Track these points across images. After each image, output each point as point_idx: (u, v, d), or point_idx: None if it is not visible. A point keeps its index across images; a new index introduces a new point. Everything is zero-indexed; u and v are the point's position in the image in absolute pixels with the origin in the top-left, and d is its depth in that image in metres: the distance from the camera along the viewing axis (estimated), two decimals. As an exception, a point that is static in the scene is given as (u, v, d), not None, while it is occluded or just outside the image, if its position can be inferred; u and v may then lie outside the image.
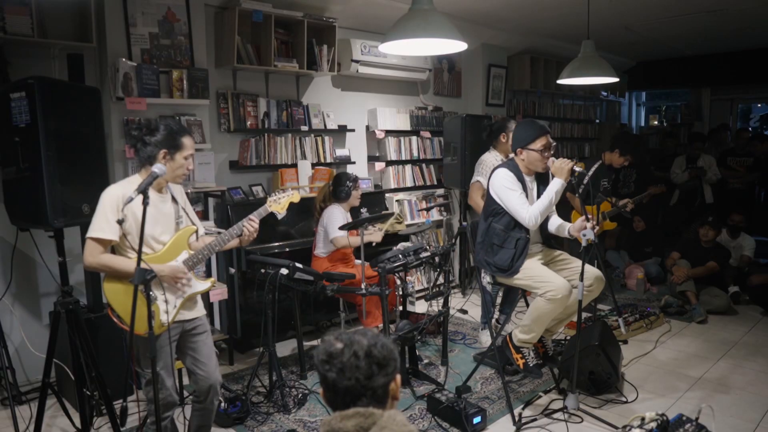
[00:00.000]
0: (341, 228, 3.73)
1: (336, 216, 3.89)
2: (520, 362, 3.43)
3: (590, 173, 4.05)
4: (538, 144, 3.18)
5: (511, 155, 3.38)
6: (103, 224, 2.23)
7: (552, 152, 3.22)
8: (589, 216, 3.03)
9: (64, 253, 2.79)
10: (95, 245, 2.24)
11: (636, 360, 3.99)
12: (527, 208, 3.13)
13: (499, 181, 3.22)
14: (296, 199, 2.70)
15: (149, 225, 2.27)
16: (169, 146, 2.32)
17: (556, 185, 3.09)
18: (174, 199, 2.46)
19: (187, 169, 2.41)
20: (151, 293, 2.18)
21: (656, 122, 9.59)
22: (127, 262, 2.27)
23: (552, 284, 3.07)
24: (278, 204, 2.64)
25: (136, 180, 2.34)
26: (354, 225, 3.63)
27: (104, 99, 3.47)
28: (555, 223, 3.32)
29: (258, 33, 4.33)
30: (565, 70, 4.31)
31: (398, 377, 1.36)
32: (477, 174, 4.34)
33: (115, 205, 2.24)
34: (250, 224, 2.51)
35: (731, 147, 7.02)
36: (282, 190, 2.71)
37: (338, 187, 3.98)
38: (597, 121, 8.56)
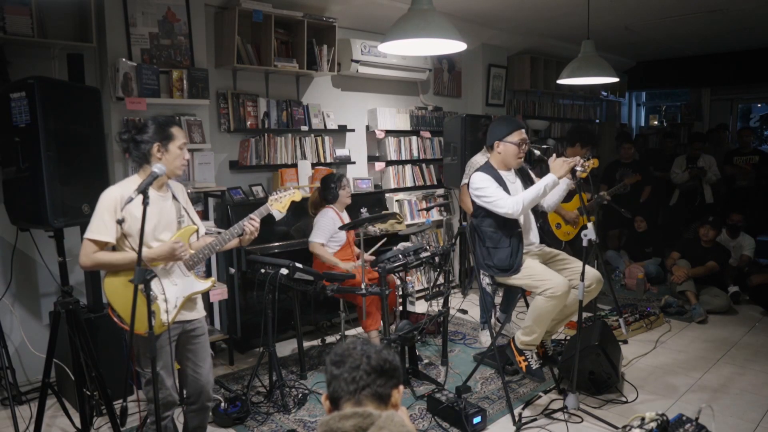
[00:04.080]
0: (341, 228, 3.74)
1: (324, 222, 3.92)
2: (523, 365, 3.43)
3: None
4: (515, 137, 3.22)
5: (485, 153, 3.40)
6: (99, 226, 2.24)
7: (527, 148, 3.26)
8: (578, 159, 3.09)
9: (64, 253, 2.79)
10: (91, 246, 2.25)
11: (636, 360, 3.99)
12: (506, 197, 3.16)
13: (473, 185, 3.28)
14: (298, 197, 2.67)
15: (149, 224, 2.27)
16: (161, 138, 2.32)
17: (548, 179, 3.10)
18: (175, 198, 2.46)
19: (184, 159, 2.40)
20: (151, 292, 2.18)
21: (656, 122, 9.60)
22: (121, 256, 2.27)
23: (551, 281, 3.07)
24: (279, 203, 2.62)
25: (135, 180, 2.34)
26: (354, 225, 3.64)
27: (104, 99, 3.47)
28: (550, 200, 3.34)
29: (258, 33, 4.33)
30: (565, 70, 4.31)
31: (401, 388, 1.40)
32: (465, 176, 4.32)
33: (112, 207, 2.24)
34: (251, 223, 2.51)
35: (736, 147, 7.02)
36: (283, 189, 2.69)
37: (325, 190, 4.02)
38: (597, 121, 8.57)
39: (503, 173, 3.30)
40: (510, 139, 3.24)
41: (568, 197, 4.26)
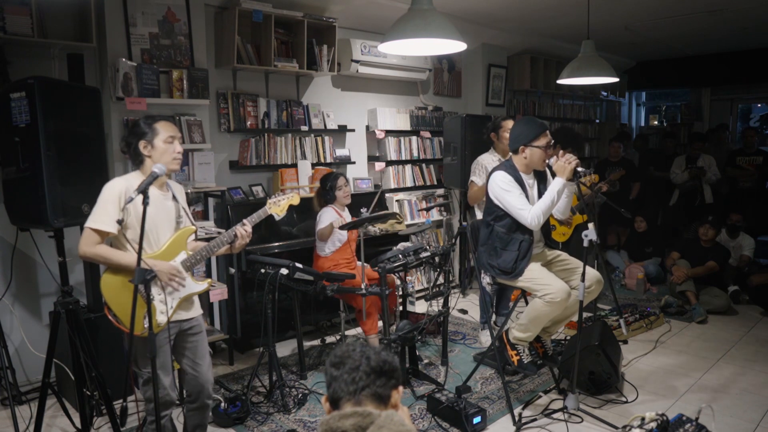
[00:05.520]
0: (341, 228, 3.74)
1: (325, 216, 3.94)
2: (515, 359, 3.42)
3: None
4: (542, 141, 3.16)
5: (510, 155, 3.36)
6: (103, 216, 2.23)
7: (552, 150, 3.20)
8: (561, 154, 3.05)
9: (64, 253, 2.79)
10: (93, 235, 2.24)
11: (636, 360, 3.99)
12: (528, 208, 3.11)
13: (496, 184, 3.19)
14: (296, 201, 2.69)
15: (151, 223, 2.29)
16: (144, 135, 2.33)
17: (557, 185, 3.05)
18: (174, 198, 2.47)
19: (176, 153, 2.38)
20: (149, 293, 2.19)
21: (656, 122, 9.60)
22: (121, 255, 2.27)
23: (551, 287, 3.05)
24: (278, 206, 2.64)
25: (137, 176, 2.35)
26: (354, 225, 3.64)
27: (104, 99, 3.47)
28: (561, 206, 3.24)
29: (258, 33, 4.33)
30: (565, 70, 4.30)
31: (401, 389, 1.40)
32: (472, 174, 4.30)
33: (116, 199, 2.24)
34: (243, 229, 2.49)
35: (739, 147, 7.02)
36: (282, 191, 2.70)
37: (322, 192, 4.03)
38: (597, 121, 8.57)
39: (524, 176, 3.24)
40: (536, 143, 3.15)
41: None
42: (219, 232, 3.73)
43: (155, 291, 2.27)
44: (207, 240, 2.55)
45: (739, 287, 5.35)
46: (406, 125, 5.54)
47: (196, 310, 2.51)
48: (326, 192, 3.99)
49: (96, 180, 2.85)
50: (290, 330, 4.37)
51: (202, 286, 2.49)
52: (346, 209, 4.13)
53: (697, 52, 7.83)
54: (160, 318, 2.31)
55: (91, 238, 2.24)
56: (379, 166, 5.36)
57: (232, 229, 2.49)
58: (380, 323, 3.76)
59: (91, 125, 2.95)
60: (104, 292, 2.29)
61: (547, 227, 3.43)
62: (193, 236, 2.52)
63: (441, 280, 4.10)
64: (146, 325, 2.16)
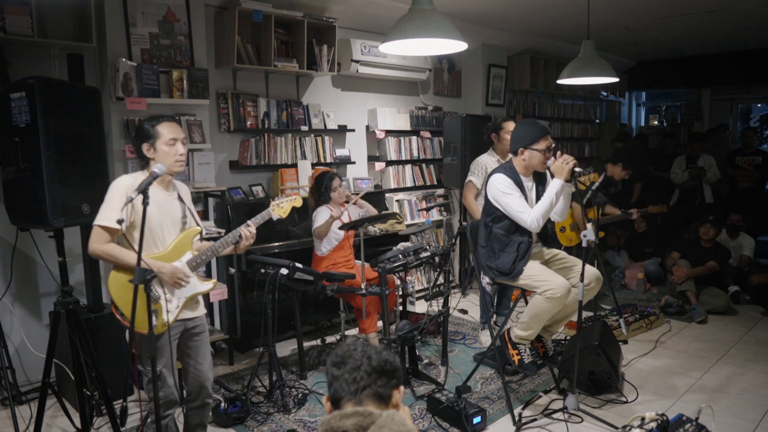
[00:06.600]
0: (341, 228, 3.74)
1: (320, 216, 3.92)
2: (516, 358, 3.42)
3: (596, 185, 3.97)
4: (542, 144, 3.15)
5: (509, 156, 3.36)
6: (111, 213, 2.22)
7: (552, 153, 3.20)
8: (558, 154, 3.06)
9: (64, 253, 2.79)
10: (102, 233, 2.24)
11: (636, 360, 3.99)
12: (528, 211, 3.11)
13: (495, 187, 3.19)
14: (298, 203, 2.71)
15: (156, 223, 2.29)
16: (147, 138, 2.33)
17: (555, 186, 3.05)
18: (180, 199, 2.47)
19: (179, 155, 2.37)
20: (153, 292, 2.19)
21: (656, 122, 9.60)
22: (130, 254, 2.25)
23: (551, 283, 3.06)
24: (281, 208, 2.65)
25: (144, 175, 2.34)
26: (354, 225, 3.64)
27: (104, 99, 3.47)
28: (558, 208, 3.23)
29: (258, 33, 4.33)
30: (565, 70, 4.30)
31: (401, 388, 1.40)
32: (470, 174, 4.31)
33: (124, 195, 2.22)
34: (248, 229, 2.50)
35: (739, 147, 7.03)
36: (284, 194, 2.70)
37: (317, 193, 4.00)
38: (597, 121, 8.57)
39: (523, 179, 3.23)
40: (536, 146, 3.14)
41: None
42: (219, 232, 3.73)
43: (161, 291, 2.27)
44: (209, 240, 2.55)
45: (739, 287, 5.35)
46: (406, 125, 5.54)
47: (201, 310, 2.52)
48: (321, 194, 3.98)
49: (96, 180, 2.86)
50: (290, 330, 4.37)
51: (207, 285, 2.51)
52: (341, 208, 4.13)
53: (697, 52, 7.84)
54: (166, 317, 2.32)
55: (101, 236, 2.24)
56: (379, 166, 5.36)
57: (236, 230, 2.49)
58: (380, 323, 3.76)
59: (91, 125, 2.95)
60: (111, 291, 2.29)
61: (545, 230, 3.43)
62: (198, 236, 2.52)
63: (441, 280, 4.10)
64: (155, 323, 2.17)
